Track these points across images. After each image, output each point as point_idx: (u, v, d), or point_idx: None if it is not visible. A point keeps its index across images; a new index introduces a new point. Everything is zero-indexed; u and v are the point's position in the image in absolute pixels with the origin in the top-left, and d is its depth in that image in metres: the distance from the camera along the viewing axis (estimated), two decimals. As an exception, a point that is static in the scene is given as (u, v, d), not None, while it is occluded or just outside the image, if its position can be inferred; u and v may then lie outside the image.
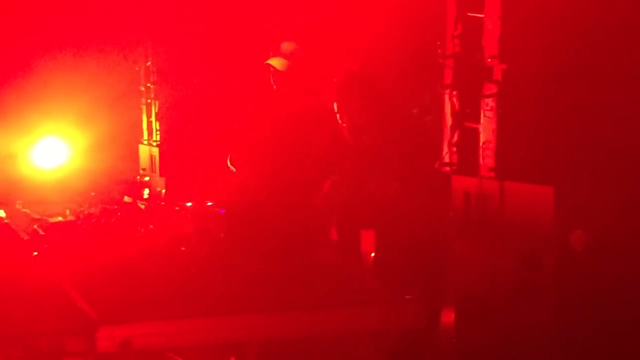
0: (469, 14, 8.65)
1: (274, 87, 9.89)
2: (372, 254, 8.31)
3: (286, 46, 9.88)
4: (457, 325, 8.33)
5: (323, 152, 9.58)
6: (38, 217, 10.21)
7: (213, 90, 12.34)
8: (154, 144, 13.46)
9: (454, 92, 8.83)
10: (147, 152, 13.57)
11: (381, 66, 9.99)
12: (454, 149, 8.86)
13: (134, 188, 12.54)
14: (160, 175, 12.85)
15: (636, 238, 7.33)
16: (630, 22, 7.63)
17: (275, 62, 9.77)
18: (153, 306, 6.79)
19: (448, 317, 8.29)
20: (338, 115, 9.57)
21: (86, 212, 10.45)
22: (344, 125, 9.54)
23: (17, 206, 11.21)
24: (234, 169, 10.11)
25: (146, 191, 12.45)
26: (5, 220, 10.40)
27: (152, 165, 13.26)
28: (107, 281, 7.42)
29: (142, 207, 10.92)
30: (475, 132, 8.56)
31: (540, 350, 7.64)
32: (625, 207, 7.46)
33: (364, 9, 10.45)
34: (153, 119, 13.60)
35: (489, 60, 8.25)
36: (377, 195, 9.15)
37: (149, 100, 13.72)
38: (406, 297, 7.31)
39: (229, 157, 10.10)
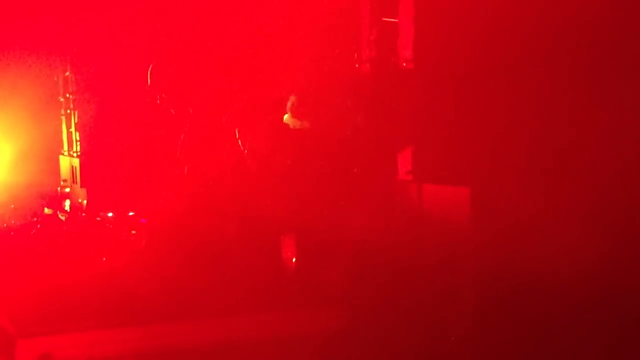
0: (383, 18, 8.74)
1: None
2: (294, 259, 8.35)
3: None
4: (381, 325, 8.39)
5: (229, 177, 9.61)
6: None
7: (131, 100, 12.22)
8: (75, 154, 13.27)
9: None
10: (67, 163, 13.38)
11: (294, 83, 9.94)
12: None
13: (55, 200, 12.38)
14: (81, 186, 12.67)
15: (541, 236, 7.45)
16: (540, 25, 7.77)
17: None
18: (74, 318, 6.74)
19: (371, 318, 8.33)
20: (239, 142, 9.58)
21: (5, 225, 10.31)
22: (245, 151, 9.54)
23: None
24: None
25: (67, 202, 12.29)
26: None
27: (72, 176, 13.08)
28: (26, 294, 7.35)
29: (63, 218, 10.80)
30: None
31: (460, 347, 7.75)
32: (539, 206, 7.59)
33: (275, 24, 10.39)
34: (73, 129, 13.41)
35: (405, 64, 8.34)
36: (296, 201, 9.18)
37: (69, 111, 13.53)
38: (329, 300, 7.37)
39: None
